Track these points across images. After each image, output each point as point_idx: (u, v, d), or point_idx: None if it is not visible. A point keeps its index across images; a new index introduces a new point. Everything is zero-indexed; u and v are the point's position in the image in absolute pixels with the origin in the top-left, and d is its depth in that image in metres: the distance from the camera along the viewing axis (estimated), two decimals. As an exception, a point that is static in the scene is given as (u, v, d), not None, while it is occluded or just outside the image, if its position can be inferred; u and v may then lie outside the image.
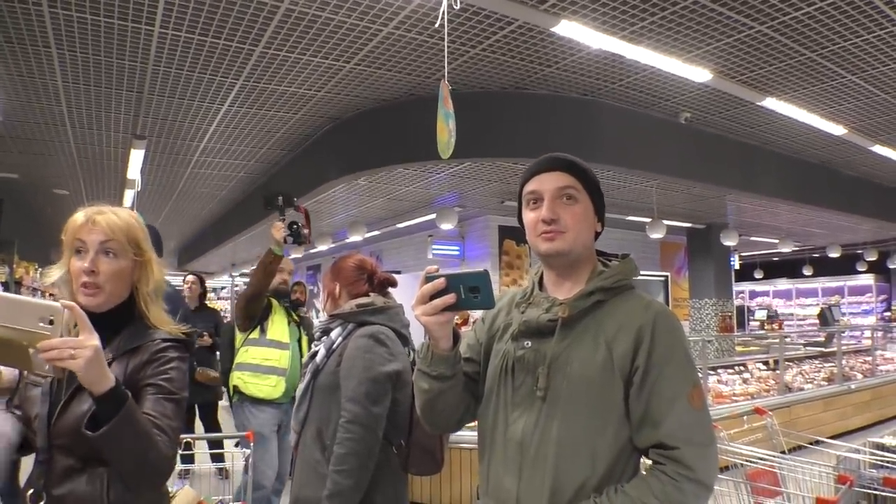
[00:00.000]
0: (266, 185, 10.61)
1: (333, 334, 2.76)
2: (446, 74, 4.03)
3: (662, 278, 13.57)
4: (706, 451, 1.50)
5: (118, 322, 1.75)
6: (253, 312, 4.46)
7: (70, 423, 1.61)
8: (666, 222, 10.39)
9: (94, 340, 1.46)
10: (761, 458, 3.33)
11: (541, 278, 1.77)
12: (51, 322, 1.43)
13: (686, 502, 1.46)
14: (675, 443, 1.47)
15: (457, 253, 11.45)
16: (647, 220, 10.47)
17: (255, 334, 4.53)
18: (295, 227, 4.39)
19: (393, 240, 13.26)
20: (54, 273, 1.77)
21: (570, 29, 5.09)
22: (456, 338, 1.64)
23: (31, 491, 1.64)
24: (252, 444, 3.33)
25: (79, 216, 1.75)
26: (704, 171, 8.31)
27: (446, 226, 9.29)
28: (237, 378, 4.47)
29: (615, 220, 11.33)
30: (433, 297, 1.51)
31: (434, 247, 11.11)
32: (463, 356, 1.74)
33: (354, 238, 11.42)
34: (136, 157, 8.41)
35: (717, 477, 1.57)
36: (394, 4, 4.84)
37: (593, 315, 1.61)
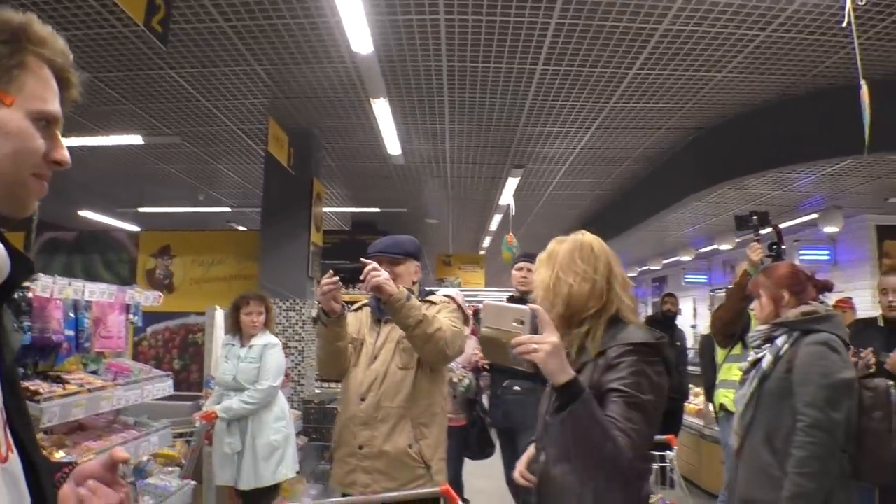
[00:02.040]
0: (622, 201, 10.85)
1: (779, 342, 2.84)
2: (860, 74, 3.86)
3: None
4: None
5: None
6: (732, 331, 4.37)
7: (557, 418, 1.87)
8: None
9: (554, 338, 1.71)
10: None
11: None
12: (521, 323, 1.76)
13: None
14: None
15: (827, 258, 10.65)
16: None
17: (737, 350, 4.45)
18: (775, 247, 4.30)
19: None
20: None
21: None
22: None
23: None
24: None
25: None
26: None
27: (830, 228, 8.75)
28: (723, 396, 4.45)
29: None
30: None
31: (802, 252, 10.46)
32: None
33: (724, 246, 11.26)
34: (511, 185, 9.17)
35: None
36: (774, 7, 4.74)
37: None
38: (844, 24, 3.70)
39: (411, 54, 5.46)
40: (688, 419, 7.45)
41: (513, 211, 10.24)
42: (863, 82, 3.69)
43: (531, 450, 2.07)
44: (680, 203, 8.44)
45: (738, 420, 2.94)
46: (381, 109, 6.22)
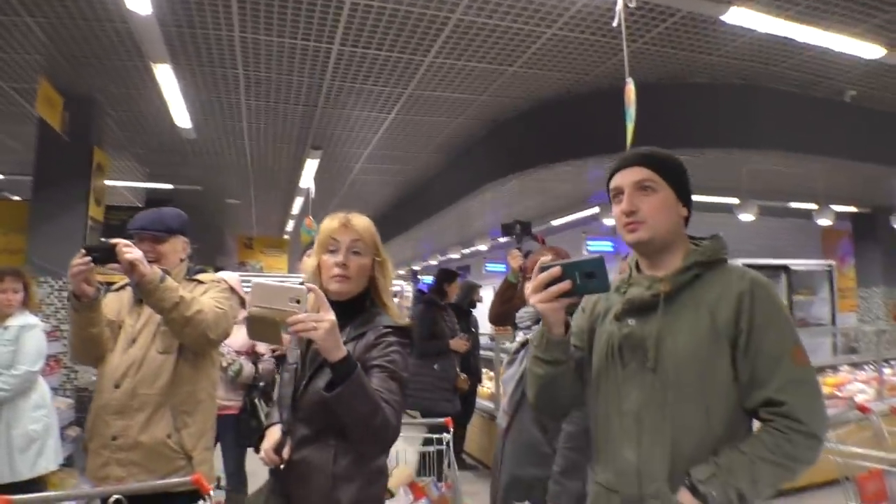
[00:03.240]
0: (421, 188, 11.01)
1: None
2: (627, 72, 4.12)
3: (827, 267, 12.89)
4: (814, 404, 1.57)
5: (355, 310, 2.06)
6: (504, 325, 4.59)
7: (310, 397, 1.94)
8: (833, 208, 9.89)
9: (331, 316, 1.76)
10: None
11: (637, 263, 1.85)
12: (297, 302, 1.76)
13: (798, 454, 1.54)
14: (784, 397, 1.55)
15: (611, 249, 11.37)
16: (810, 206, 10.02)
17: None
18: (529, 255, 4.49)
19: (547, 237, 13.32)
20: (308, 264, 2.13)
21: (738, 16, 5.04)
22: (567, 325, 1.74)
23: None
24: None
25: (334, 220, 2.09)
26: (873, 151, 7.85)
27: (609, 221, 9.30)
28: None
29: (772, 209, 10.95)
30: (549, 285, 1.63)
31: (588, 243, 11.09)
32: (574, 343, 1.84)
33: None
34: (311, 167, 9.02)
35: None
36: (559, 6, 4.98)
37: (692, 288, 1.69)
38: (615, 24, 3.90)
39: (200, 20, 5.19)
40: (480, 402, 7.68)
41: (313, 194, 10.10)
42: (629, 79, 3.92)
43: (275, 433, 2.04)
44: (476, 192, 8.68)
45: (507, 399, 3.00)
46: (166, 77, 5.87)
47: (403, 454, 3.65)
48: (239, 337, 4.27)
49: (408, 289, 25.11)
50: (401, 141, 8.51)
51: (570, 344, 1.77)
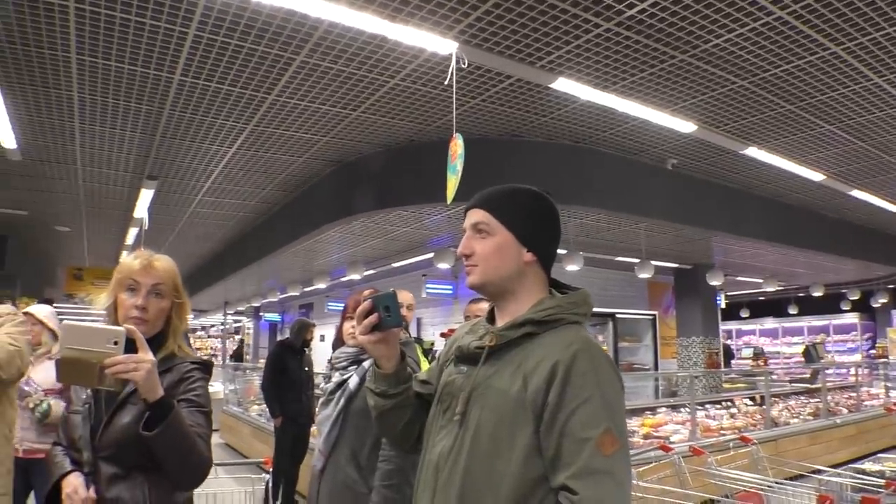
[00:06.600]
0: (264, 224, 10.92)
1: (367, 363, 3.00)
2: (454, 128, 4.36)
3: (650, 317, 13.89)
4: (607, 501, 1.41)
5: (154, 348, 2.06)
6: None
7: (115, 435, 1.94)
8: (654, 263, 10.70)
9: (151, 357, 1.83)
10: (750, 482, 3.60)
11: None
12: (115, 343, 1.78)
13: None
14: (578, 487, 1.40)
15: (450, 292, 11.71)
16: (636, 260, 10.79)
17: None
18: None
19: (388, 278, 13.50)
20: (102, 301, 2.15)
21: (566, 85, 5.50)
22: (402, 357, 1.77)
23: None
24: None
25: (136, 260, 2.12)
26: (691, 215, 8.72)
27: (443, 265, 9.55)
28: None
29: (604, 261, 11.70)
30: (365, 318, 1.67)
31: (428, 286, 11.35)
32: (422, 379, 1.87)
33: (352, 276, 11.70)
34: (146, 197, 8.73)
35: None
36: (402, 59, 5.21)
37: (522, 346, 1.59)
38: (447, 83, 4.15)
39: (35, 40, 5.00)
40: (314, 442, 7.64)
41: (146, 225, 9.76)
42: (457, 135, 4.16)
43: (73, 479, 1.95)
44: (319, 231, 8.72)
45: (323, 440, 3.01)
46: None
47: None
48: (48, 374, 3.96)
49: (249, 325, 24.59)
50: (243, 175, 8.45)
51: (402, 378, 1.77)
